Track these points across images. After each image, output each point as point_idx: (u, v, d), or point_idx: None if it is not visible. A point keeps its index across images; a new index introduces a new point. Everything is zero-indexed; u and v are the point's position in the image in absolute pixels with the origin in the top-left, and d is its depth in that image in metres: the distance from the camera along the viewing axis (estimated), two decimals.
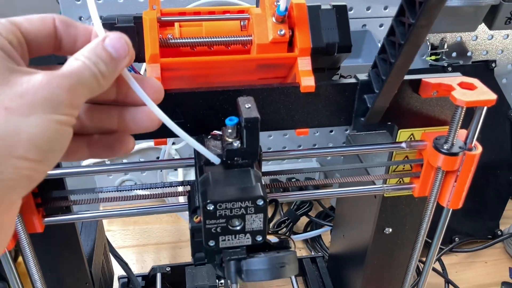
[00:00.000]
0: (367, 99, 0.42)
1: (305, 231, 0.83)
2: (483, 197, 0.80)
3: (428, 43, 0.81)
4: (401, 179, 0.48)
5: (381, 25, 0.77)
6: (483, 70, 0.78)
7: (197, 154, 0.38)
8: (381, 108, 0.42)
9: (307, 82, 0.40)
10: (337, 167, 0.46)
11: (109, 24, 0.46)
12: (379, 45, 0.77)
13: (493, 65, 0.77)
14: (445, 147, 0.42)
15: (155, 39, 0.39)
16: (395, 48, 0.36)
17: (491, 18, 0.71)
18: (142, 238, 0.83)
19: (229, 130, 0.36)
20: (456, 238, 0.79)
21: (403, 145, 0.44)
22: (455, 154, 0.41)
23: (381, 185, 0.47)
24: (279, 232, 0.79)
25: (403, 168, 0.48)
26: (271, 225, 0.80)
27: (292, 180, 0.84)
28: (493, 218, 0.81)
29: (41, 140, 0.24)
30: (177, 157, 0.80)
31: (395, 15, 0.36)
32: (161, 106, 0.40)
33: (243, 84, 0.44)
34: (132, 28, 0.44)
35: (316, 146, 0.87)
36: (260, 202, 0.34)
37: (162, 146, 0.76)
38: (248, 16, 0.43)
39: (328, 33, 0.41)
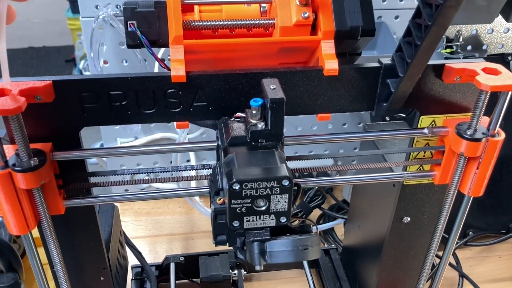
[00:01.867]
0: (391, 84, 0.42)
1: (317, 223, 0.83)
2: (498, 191, 0.80)
3: (444, 36, 0.80)
4: (421, 167, 0.48)
5: (396, 17, 0.77)
6: (500, 63, 0.77)
7: (221, 135, 0.38)
8: (404, 93, 0.41)
9: (331, 65, 0.40)
10: (356, 153, 0.46)
11: (130, 9, 0.46)
12: (395, 37, 0.77)
13: (509, 58, 0.77)
14: (468, 133, 0.41)
15: (179, 21, 0.39)
16: (421, 30, 0.36)
17: (508, 10, 0.71)
18: (155, 229, 0.83)
19: (254, 112, 0.36)
20: (470, 232, 0.78)
21: (425, 131, 0.44)
22: (478, 140, 0.41)
23: (401, 172, 0.46)
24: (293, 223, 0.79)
25: (424, 156, 0.47)
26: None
27: (305, 174, 0.84)
28: (507, 213, 0.81)
29: None
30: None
31: None
32: (185, 88, 0.40)
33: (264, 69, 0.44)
34: (153, 13, 0.44)
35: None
36: (286, 183, 0.34)
37: (179, 133, 0.76)
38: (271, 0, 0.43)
39: (352, 17, 0.41)
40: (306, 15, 0.40)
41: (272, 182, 0.33)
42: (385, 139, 0.52)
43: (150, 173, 0.42)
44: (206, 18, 0.45)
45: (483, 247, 0.79)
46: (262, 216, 0.35)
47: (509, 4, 0.70)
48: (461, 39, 0.81)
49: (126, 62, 0.73)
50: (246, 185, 0.33)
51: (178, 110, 0.41)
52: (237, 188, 0.33)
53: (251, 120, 0.36)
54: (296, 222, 0.79)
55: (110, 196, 0.43)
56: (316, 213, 0.83)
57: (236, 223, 0.35)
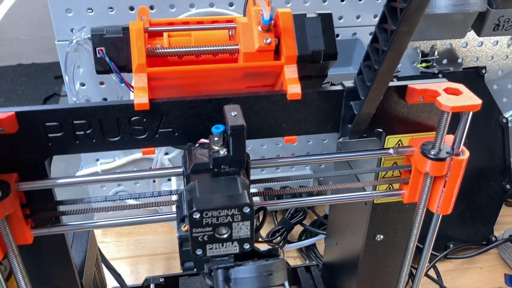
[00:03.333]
0: (354, 106, 0.42)
1: (299, 239, 0.83)
2: (477, 203, 0.80)
3: (419, 51, 0.81)
4: (390, 186, 0.48)
5: (371, 33, 0.78)
6: (474, 77, 0.79)
7: (185, 162, 0.38)
8: (368, 114, 0.42)
9: (294, 89, 0.41)
10: (327, 174, 0.46)
11: (98, 35, 0.47)
12: None
13: (483, 71, 0.78)
14: (432, 153, 0.42)
15: (142, 49, 0.40)
16: (379, 54, 0.37)
17: (479, 25, 0.72)
18: (136, 250, 0.83)
19: (216, 138, 0.36)
20: (451, 245, 0.79)
21: (391, 151, 0.44)
22: (443, 160, 0.42)
23: (371, 192, 0.47)
24: (273, 241, 0.79)
25: (392, 175, 0.48)
26: (264, 234, 0.80)
27: (286, 188, 0.84)
28: (487, 224, 0.81)
29: None
30: (170, 166, 0.80)
31: (378, 22, 0.36)
32: (149, 115, 0.40)
33: (231, 92, 0.44)
34: (121, 38, 0.45)
35: (308, 167, 0.86)
36: (247, 210, 0.34)
37: (154, 155, 0.76)
38: (235, 25, 0.43)
39: (314, 41, 0.42)
40: (268, 41, 0.41)
41: (233, 209, 0.34)
42: (351, 160, 0.53)
43: (116, 200, 0.42)
44: (175, 42, 0.45)
45: (464, 259, 0.79)
46: (225, 244, 0.35)
47: (480, 19, 0.72)
48: (436, 53, 0.82)
49: (103, 84, 0.73)
50: (206, 213, 0.33)
51: (143, 136, 0.41)
52: (197, 217, 0.33)
53: (213, 146, 0.37)
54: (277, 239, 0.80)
55: (79, 224, 0.43)
56: (298, 229, 0.83)
57: (199, 251, 0.35)
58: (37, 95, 2.43)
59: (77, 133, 0.40)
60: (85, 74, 0.72)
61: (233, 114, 0.36)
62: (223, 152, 0.36)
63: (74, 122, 0.39)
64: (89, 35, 0.68)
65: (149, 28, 0.43)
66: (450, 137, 0.43)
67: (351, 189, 0.45)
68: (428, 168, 0.42)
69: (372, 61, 0.38)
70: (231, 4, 0.70)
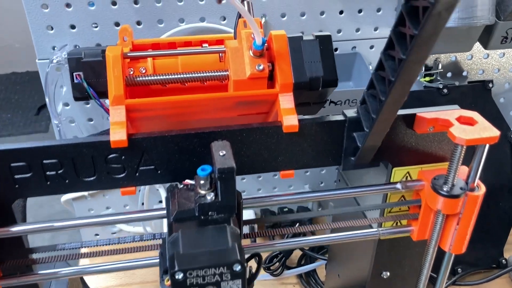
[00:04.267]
0: (357, 138, 0.38)
1: (299, 265, 0.78)
2: (485, 223, 0.76)
3: None
4: (398, 221, 0.44)
5: (371, 47, 0.74)
6: (480, 91, 0.75)
7: (168, 207, 0.34)
8: (373, 147, 0.38)
9: (290, 121, 0.36)
10: (329, 211, 0.42)
11: (75, 59, 0.43)
12: (370, 67, 0.74)
13: (490, 85, 0.74)
14: (444, 189, 0.38)
15: (119, 78, 0.36)
16: (385, 84, 0.32)
17: (486, 38, 0.68)
18: (126, 277, 0.78)
19: (202, 181, 0.32)
20: (459, 269, 0.74)
21: (398, 186, 0.40)
22: (456, 197, 0.37)
23: (376, 229, 0.42)
24: (271, 267, 0.75)
25: (400, 209, 0.44)
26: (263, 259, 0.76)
27: (285, 209, 0.80)
28: (496, 246, 0.77)
29: None
30: (161, 190, 0.76)
31: (384, 49, 0.32)
32: (128, 152, 0.36)
33: (221, 120, 0.40)
34: (100, 62, 0.41)
35: (307, 186, 0.82)
36: (237, 267, 0.29)
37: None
38: (224, 48, 0.39)
39: (312, 67, 0.37)
40: (261, 68, 0.36)
41: (222, 267, 0.29)
42: (355, 196, 0.49)
43: (93, 247, 0.37)
44: (160, 66, 0.41)
45: (474, 286, 0.74)
46: None
47: (487, 32, 0.68)
48: (440, 67, 0.78)
49: (88, 104, 0.69)
50: (191, 273, 0.29)
51: (122, 175, 0.37)
52: (180, 277, 0.29)
53: (199, 190, 0.32)
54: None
55: (52, 272, 0.39)
56: (298, 253, 0.79)
57: None
58: (32, 103, 2.38)
59: (48, 173, 0.35)
60: (68, 93, 0.67)
61: (221, 154, 0.32)
62: (210, 197, 0.32)
63: (44, 162, 0.35)
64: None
65: (129, 54, 0.38)
66: (464, 169, 0.39)
67: (355, 227, 0.41)
68: (440, 205, 0.38)
69: (377, 90, 0.33)
70: (223, 18, 0.66)
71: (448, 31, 0.65)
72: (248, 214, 0.72)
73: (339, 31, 0.71)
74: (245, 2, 0.39)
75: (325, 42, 0.38)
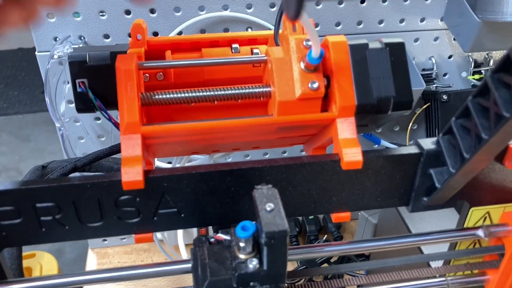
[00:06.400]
0: (435, 176, 0.30)
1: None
2: None
3: (471, 59, 0.68)
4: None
5: (416, 40, 0.65)
6: None
7: (195, 269, 0.26)
8: (454, 190, 0.30)
9: (352, 156, 0.28)
10: (388, 262, 0.34)
11: (78, 64, 0.35)
12: (414, 62, 0.65)
13: None
14: None
15: (133, 99, 0.27)
16: (490, 118, 0.24)
17: None
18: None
19: (242, 244, 0.24)
20: None
21: (480, 233, 0.32)
22: None
23: (444, 279, 0.35)
24: (296, 284, 0.68)
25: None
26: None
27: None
28: None
29: None
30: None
31: (493, 71, 0.24)
32: (144, 193, 0.28)
33: (256, 142, 0.32)
34: (109, 67, 0.33)
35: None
36: None
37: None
38: (265, 58, 0.31)
39: (380, 84, 0.29)
40: (315, 86, 0.28)
41: None
42: (420, 245, 0.41)
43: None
44: (181, 71, 0.33)
45: None
46: None
47: None
48: (491, 63, 0.68)
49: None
50: None
51: (136, 220, 0.29)
52: None
53: (238, 254, 0.25)
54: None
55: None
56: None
57: None
58: (39, 80, 2.30)
59: (42, 218, 0.28)
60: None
61: (268, 209, 0.24)
62: (253, 264, 0.24)
63: (37, 205, 0.27)
64: (78, 45, 0.56)
65: (145, 64, 0.30)
66: None
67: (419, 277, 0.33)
68: None
69: (476, 124, 0.25)
70: (249, 6, 0.57)
71: (503, 25, 0.56)
72: None
73: (380, 22, 0.62)
74: None
75: (397, 52, 0.29)
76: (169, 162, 0.59)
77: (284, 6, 0.14)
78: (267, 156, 0.66)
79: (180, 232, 0.62)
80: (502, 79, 0.23)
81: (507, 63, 0.22)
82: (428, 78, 0.65)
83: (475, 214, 0.34)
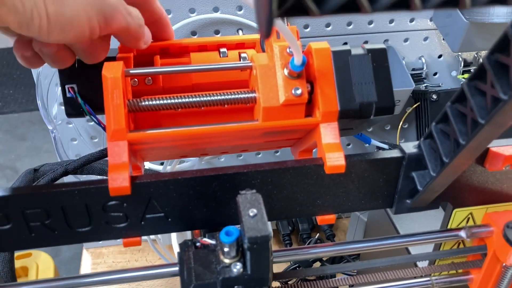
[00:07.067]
0: (417, 178, 0.30)
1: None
2: None
3: (460, 59, 0.69)
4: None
5: (406, 40, 0.65)
6: None
7: (181, 273, 0.27)
8: (436, 192, 0.30)
9: (335, 161, 0.29)
10: (376, 262, 0.35)
11: (67, 69, 0.35)
12: (404, 62, 0.66)
13: None
14: None
15: (120, 107, 0.28)
16: (467, 124, 0.25)
17: None
18: None
19: (226, 249, 0.25)
20: None
21: (462, 234, 0.33)
22: None
23: (429, 279, 0.35)
24: (289, 282, 0.68)
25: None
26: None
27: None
28: None
29: None
30: None
31: (469, 78, 0.24)
32: (131, 199, 0.29)
33: (241, 146, 0.33)
34: (97, 72, 0.33)
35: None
36: None
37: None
38: (250, 64, 0.31)
39: (362, 89, 0.30)
40: (298, 92, 0.29)
41: None
42: (407, 246, 0.41)
43: None
44: (169, 76, 0.34)
45: None
46: None
47: None
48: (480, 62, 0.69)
49: None
50: None
51: (124, 225, 0.29)
52: None
53: (222, 258, 0.25)
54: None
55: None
56: (316, 265, 0.72)
57: None
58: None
59: (31, 224, 0.28)
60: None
61: (251, 214, 0.24)
62: (236, 269, 0.25)
63: (26, 211, 0.28)
64: None
65: (131, 71, 0.31)
66: None
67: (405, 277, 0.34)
68: None
69: (454, 129, 0.26)
70: (239, 8, 0.58)
71: (498, 27, 0.57)
72: None
73: (370, 23, 0.62)
74: None
75: (379, 58, 0.30)
76: (162, 163, 0.60)
77: (257, 24, 0.14)
78: (259, 156, 0.67)
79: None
80: (477, 87, 0.24)
81: (482, 71, 0.23)
82: (418, 78, 0.66)
83: (458, 215, 0.34)
